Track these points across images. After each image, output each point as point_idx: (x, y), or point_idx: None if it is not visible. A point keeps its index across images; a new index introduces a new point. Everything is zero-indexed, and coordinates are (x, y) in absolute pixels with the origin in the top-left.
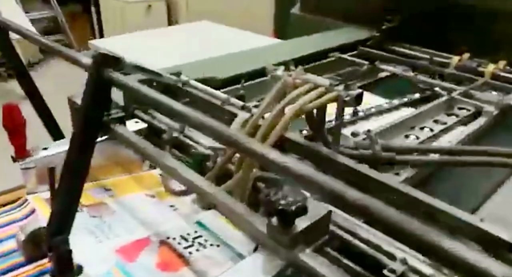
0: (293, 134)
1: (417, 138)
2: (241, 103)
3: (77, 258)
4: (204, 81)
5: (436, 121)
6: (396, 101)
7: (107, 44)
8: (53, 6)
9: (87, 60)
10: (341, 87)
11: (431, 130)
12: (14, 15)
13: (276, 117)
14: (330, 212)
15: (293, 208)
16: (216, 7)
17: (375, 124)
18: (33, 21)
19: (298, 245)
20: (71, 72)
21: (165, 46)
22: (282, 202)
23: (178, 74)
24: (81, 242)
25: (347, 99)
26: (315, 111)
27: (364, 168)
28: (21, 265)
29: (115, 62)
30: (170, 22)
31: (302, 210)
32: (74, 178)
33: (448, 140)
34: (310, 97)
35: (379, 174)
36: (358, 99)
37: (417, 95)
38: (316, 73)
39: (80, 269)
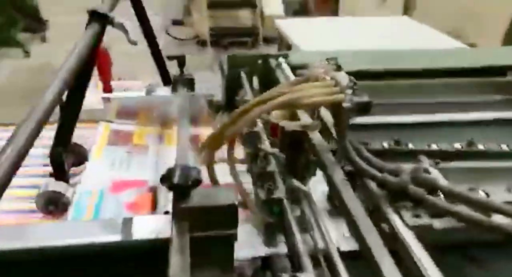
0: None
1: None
2: None
3: (84, 174)
4: None
5: None
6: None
7: (291, 24)
8: None
9: None
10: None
11: None
12: None
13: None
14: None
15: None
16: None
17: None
18: (286, 2)
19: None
20: None
21: (347, 33)
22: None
23: None
24: (98, 166)
25: (346, 105)
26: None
27: None
28: None
29: None
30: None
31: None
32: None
33: None
34: (312, 92)
35: None
36: (362, 108)
37: None
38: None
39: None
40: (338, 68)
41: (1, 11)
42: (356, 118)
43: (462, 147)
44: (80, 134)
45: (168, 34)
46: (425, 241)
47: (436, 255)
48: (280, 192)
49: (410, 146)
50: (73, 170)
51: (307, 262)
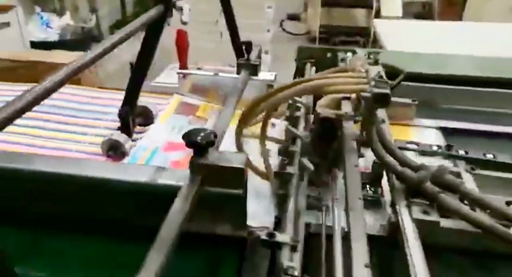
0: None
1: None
2: None
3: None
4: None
5: None
6: None
7: (389, 25)
8: None
9: None
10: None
11: None
12: None
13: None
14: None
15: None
16: None
17: None
18: (410, 4)
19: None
20: None
21: (446, 38)
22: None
23: None
24: (160, 129)
25: (364, 94)
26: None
27: None
28: None
29: None
30: None
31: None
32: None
33: None
34: (338, 80)
35: None
36: (380, 99)
37: None
38: None
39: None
40: (376, 62)
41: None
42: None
43: None
44: (154, 102)
45: (282, 27)
46: (430, 239)
47: (443, 256)
48: (294, 169)
49: (461, 152)
50: (139, 128)
51: (289, 226)
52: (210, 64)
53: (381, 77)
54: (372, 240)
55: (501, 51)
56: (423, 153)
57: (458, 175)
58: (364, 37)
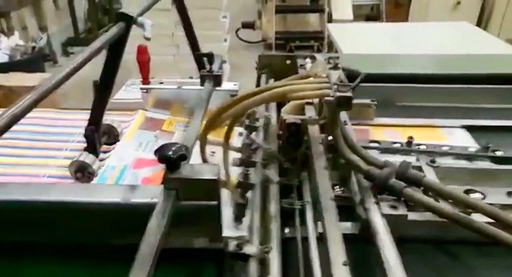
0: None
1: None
2: None
3: (113, 151)
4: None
5: None
6: None
7: (342, 29)
8: None
9: None
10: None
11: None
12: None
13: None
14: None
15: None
16: None
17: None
18: (359, 7)
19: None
20: None
21: (396, 39)
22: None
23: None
24: (127, 146)
25: (327, 99)
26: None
27: None
28: None
29: None
30: (480, 22)
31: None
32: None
33: None
34: (302, 87)
35: None
36: (343, 102)
37: None
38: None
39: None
40: (336, 67)
41: (92, 17)
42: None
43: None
44: (119, 119)
45: (238, 36)
46: (400, 232)
47: (412, 247)
48: (256, 179)
49: (423, 147)
50: (105, 147)
51: (255, 238)
52: (170, 77)
53: (342, 81)
54: (346, 239)
55: (446, 49)
56: (386, 150)
57: (420, 169)
58: (318, 41)
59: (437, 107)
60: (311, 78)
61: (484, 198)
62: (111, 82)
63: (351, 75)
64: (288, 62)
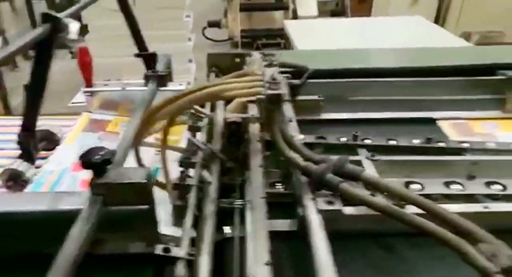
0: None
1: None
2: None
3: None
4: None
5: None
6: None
7: (298, 25)
8: None
9: None
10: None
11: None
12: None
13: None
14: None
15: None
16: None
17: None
18: (324, 3)
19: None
20: None
21: (352, 34)
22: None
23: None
24: (67, 150)
25: (258, 97)
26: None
27: None
28: None
29: None
30: (439, 16)
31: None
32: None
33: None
34: (235, 85)
35: None
36: (273, 100)
37: None
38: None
39: None
40: (271, 64)
41: None
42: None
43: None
44: (61, 124)
45: (204, 35)
46: (337, 227)
47: (349, 242)
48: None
49: (369, 141)
50: (44, 153)
51: (185, 240)
52: (124, 78)
53: (274, 78)
54: (284, 236)
55: (400, 42)
56: (331, 146)
57: (359, 163)
58: (284, 38)
59: (388, 100)
60: (247, 77)
61: (422, 189)
62: (42, 85)
63: (300, 71)
64: (238, 60)
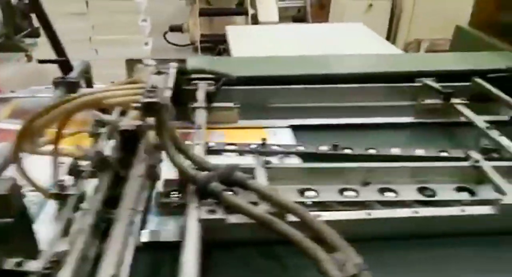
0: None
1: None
2: None
3: None
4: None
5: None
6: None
7: (239, 31)
8: None
9: None
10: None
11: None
12: (267, 1)
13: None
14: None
15: None
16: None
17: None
18: (285, 9)
19: None
20: None
21: (291, 40)
22: None
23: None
24: None
25: (135, 105)
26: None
27: None
28: None
29: None
30: (392, 23)
31: None
32: None
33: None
34: (115, 93)
35: None
36: (149, 108)
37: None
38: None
39: None
40: (159, 72)
41: (9, 21)
42: None
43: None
44: None
45: (166, 40)
46: (219, 236)
47: (233, 251)
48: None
49: (277, 148)
50: None
51: (47, 254)
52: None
53: (154, 86)
54: (169, 246)
55: (336, 49)
56: (240, 153)
57: (252, 170)
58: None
59: (308, 107)
60: (130, 84)
61: (317, 196)
62: None
63: (220, 78)
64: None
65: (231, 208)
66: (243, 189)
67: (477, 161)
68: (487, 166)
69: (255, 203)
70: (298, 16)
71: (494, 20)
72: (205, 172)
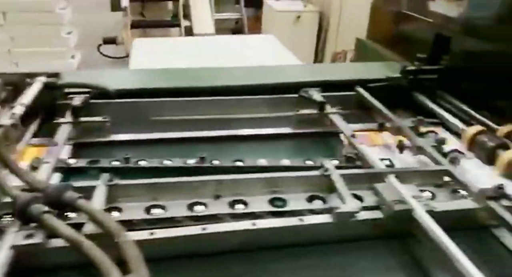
0: None
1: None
2: None
3: None
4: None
5: None
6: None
7: (150, 43)
8: (241, 9)
9: None
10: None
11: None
12: (201, 13)
13: None
14: None
15: None
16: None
17: None
18: (223, 21)
19: None
20: None
21: (195, 53)
22: None
23: None
24: None
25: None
26: None
27: None
28: None
29: None
30: (320, 33)
31: None
32: None
33: None
34: None
35: None
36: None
37: None
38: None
39: None
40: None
41: None
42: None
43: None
44: None
45: (100, 52)
46: (40, 261)
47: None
48: None
49: (144, 163)
50: None
51: None
52: None
53: None
54: None
55: (246, 61)
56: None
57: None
58: None
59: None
60: None
61: (165, 212)
62: None
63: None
64: (29, 80)
65: (51, 232)
66: (74, 210)
67: (326, 170)
68: (336, 175)
69: (82, 225)
70: (236, 28)
71: (386, 33)
72: (26, 194)
